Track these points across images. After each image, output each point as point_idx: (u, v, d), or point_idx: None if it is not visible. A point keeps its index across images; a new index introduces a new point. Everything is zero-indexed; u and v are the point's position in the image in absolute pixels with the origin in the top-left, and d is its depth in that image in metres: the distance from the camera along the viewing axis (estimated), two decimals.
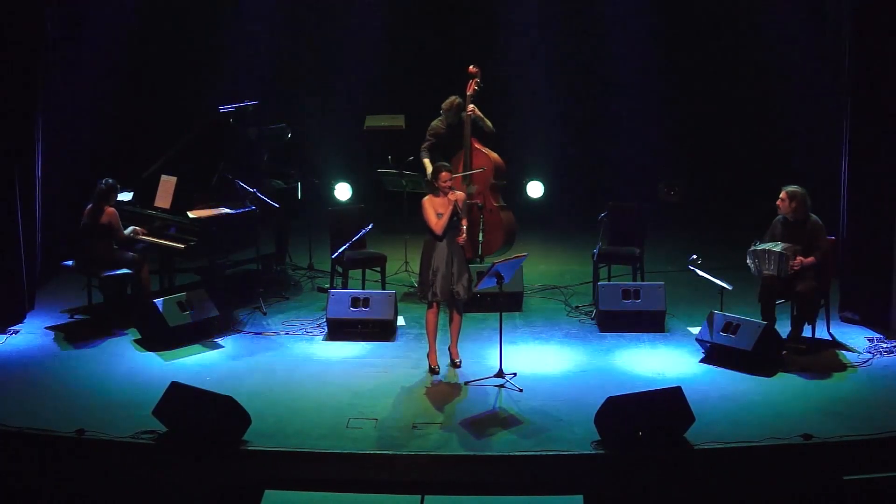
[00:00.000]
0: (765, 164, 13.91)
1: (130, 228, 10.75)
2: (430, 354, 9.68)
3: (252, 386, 9.18)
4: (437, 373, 9.56)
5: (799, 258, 9.67)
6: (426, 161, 11.57)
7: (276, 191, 11.76)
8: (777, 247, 9.74)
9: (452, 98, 11.62)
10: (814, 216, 9.89)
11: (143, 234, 10.83)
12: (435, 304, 9.57)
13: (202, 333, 10.31)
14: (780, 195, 9.88)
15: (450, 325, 9.70)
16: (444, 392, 9.19)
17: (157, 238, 10.88)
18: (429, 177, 9.95)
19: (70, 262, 10.73)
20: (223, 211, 11.03)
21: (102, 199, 10.50)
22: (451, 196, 9.41)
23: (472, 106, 11.46)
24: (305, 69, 14.51)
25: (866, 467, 7.75)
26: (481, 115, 11.53)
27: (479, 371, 9.50)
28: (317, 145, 14.21)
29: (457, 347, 9.75)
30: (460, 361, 9.69)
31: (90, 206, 10.56)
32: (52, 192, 11.56)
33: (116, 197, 10.63)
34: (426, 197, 9.51)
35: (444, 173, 9.44)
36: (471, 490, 7.78)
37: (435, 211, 9.38)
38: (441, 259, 9.39)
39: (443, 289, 9.40)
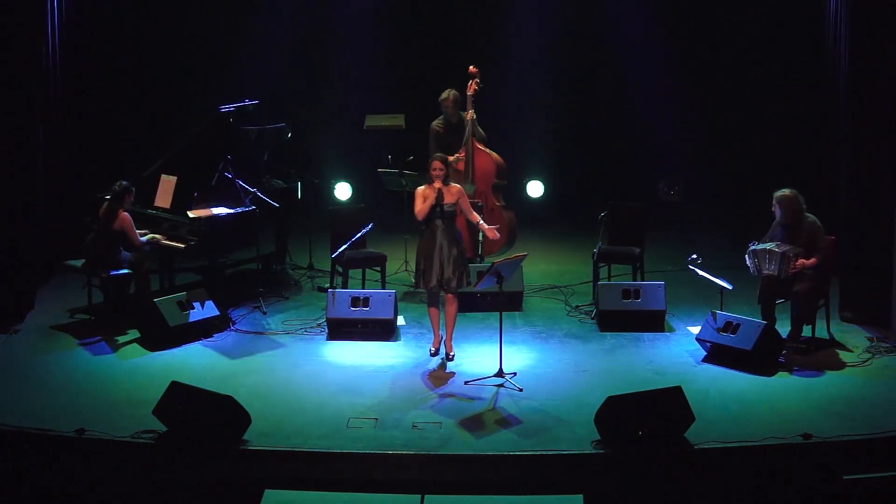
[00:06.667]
0: (765, 164, 13.92)
1: (149, 236, 10.71)
2: (434, 340, 9.92)
3: (252, 386, 9.18)
4: (436, 355, 9.83)
5: (800, 260, 9.68)
6: None
7: (276, 190, 11.77)
8: (776, 247, 9.74)
9: (449, 90, 11.62)
10: (811, 216, 9.89)
11: (162, 240, 10.78)
12: (433, 297, 9.77)
13: (202, 333, 10.31)
14: (773, 202, 9.90)
15: (444, 316, 9.78)
16: (444, 392, 9.20)
17: (169, 240, 10.85)
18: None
19: (78, 263, 10.67)
20: (223, 210, 11.03)
21: (117, 202, 10.44)
22: (435, 185, 9.59)
23: (471, 112, 11.47)
24: (306, 69, 14.50)
25: (866, 467, 7.75)
26: (476, 123, 11.56)
27: (478, 370, 9.50)
28: (317, 145, 14.22)
29: (451, 341, 9.82)
30: (453, 355, 9.78)
31: (105, 206, 10.53)
32: (52, 191, 11.55)
33: (131, 199, 10.55)
34: (420, 187, 9.77)
35: (435, 162, 9.67)
36: (471, 490, 7.78)
37: (423, 199, 9.65)
38: (432, 247, 9.60)
39: (435, 278, 9.59)
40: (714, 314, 9.81)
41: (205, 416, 8.13)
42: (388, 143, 12.78)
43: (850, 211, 10.55)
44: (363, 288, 11.25)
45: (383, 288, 11.21)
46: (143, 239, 10.64)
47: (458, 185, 9.83)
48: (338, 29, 14.47)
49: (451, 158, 10.20)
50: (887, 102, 10.16)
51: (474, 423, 8.59)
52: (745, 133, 14.39)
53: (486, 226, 9.83)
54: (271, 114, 12.38)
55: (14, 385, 9.25)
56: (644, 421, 8.06)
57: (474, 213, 9.92)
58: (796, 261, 9.67)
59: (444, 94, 11.65)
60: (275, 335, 10.46)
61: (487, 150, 11.63)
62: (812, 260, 9.72)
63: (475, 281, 9.88)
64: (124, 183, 10.51)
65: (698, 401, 8.47)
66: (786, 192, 9.88)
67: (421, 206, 9.63)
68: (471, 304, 10.82)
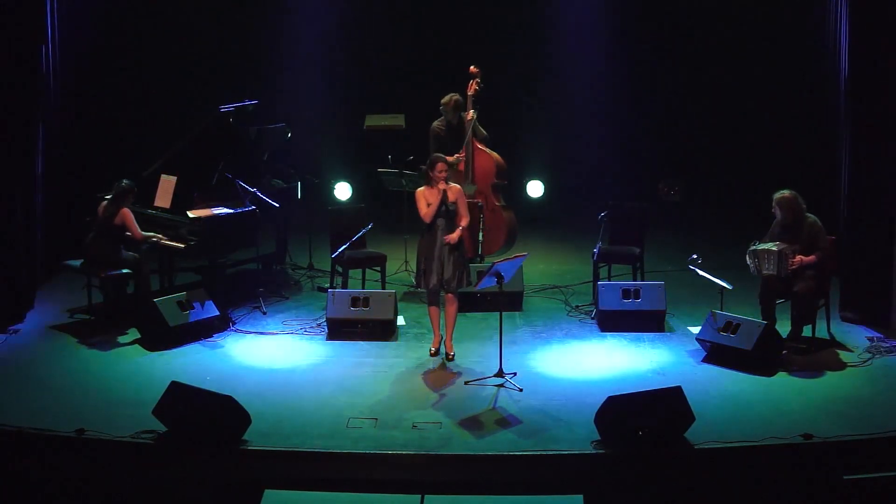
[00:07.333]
0: (765, 164, 13.91)
1: (151, 234, 10.70)
2: (434, 340, 9.95)
3: (252, 386, 9.18)
4: (436, 355, 9.85)
5: (799, 256, 9.69)
6: None
7: (276, 190, 11.77)
8: (775, 246, 9.75)
9: (451, 94, 11.63)
10: (811, 216, 9.89)
11: (163, 240, 10.77)
12: (434, 297, 9.78)
13: (202, 333, 10.31)
14: (773, 203, 9.91)
15: (444, 316, 9.80)
16: (444, 392, 9.20)
17: (169, 240, 10.84)
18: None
19: (77, 262, 10.68)
20: (223, 211, 11.04)
21: (119, 200, 10.45)
22: (440, 186, 9.60)
23: (471, 112, 11.47)
24: (305, 69, 14.50)
25: (866, 467, 7.75)
26: (477, 123, 11.55)
27: (479, 371, 9.50)
28: (317, 145, 14.22)
29: (451, 341, 9.84)
30: (453, 355, 9.80)
31: (105, 204, 10.53)
32: (52, 191, 11.55)
33: (132, 199, 10.57)
34: (419, 188, 9.76)
35: (440, 164, 9.64)
36: (471, 490, 7.78)
37: (426, 201, 9.64)
38: (432, 247, 9.63)
39: (436, 278, 9.62)
40: (714, 314, 9.81)
41: (205, 416, 8.13)
42: (388, 143, 12.77)
43: (850, 211, 10.55)
44: (363, 288, 11.25)
45: (383, 288, 11.21)
46: (147, 233, 10.64)
47: (457, 185, 9.84)
48: (338, 28, 14.46)
49: (450, 159, 10.22)
50: (887, 102, 10.15)
51: (474, 423, 8.59)
52: (745, 133, 14.38)
53: (455, 235, 9.59)
54: (271, 114, 12.37)
55: (14, 385, 9.25)
56: (644, 421, 8.06)
57: (465, 218, 9.81)
58: (794, 257, 9.67)
59: (446, 99, 11.65)
60: (275, 335, 10.46)
61: (487, 150, 11.63)
62: (811, 257, 9.73)
63: (475, 281, 9.89)
64: (126, 182, 10.52)
65: (698, 401, 8.46)
66: (785, 193, 9.89)
67: (427, 210, 9.62)
68: (471, 303, 10.82)
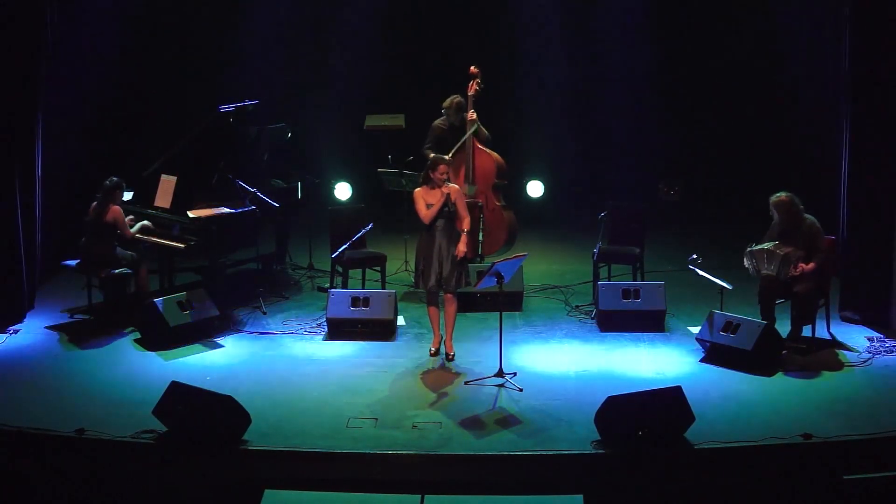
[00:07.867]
0: (765, 164, 13.91)
1: (139, 224, 10.73)
2: (434, 340, 9.95)
3: (252, 386, 9.18)
4: (436, 355, 9.85)
5: (801, 265, 9.67)
6: None
7: (276, 190, 11.77)
8: (773, 246, 9.73)
9: (453, 97, 11.63)
10: (809, 217, 9.88)
11: (152, 231, 10.76)
12: (433, 297, 9.79)
13: (202, 333, 10.31)
14: (770, 207, 9.91)
15: (444, 316, 9.80)
16: (444, 392, 9.19)
17: (162, 238, 10.85)
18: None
19: (73, 262, 10.71)
20: (223, 210, 11.04)
21: (107, 197, 10.49)
22: (444, 189, 9.56)
23: (472, 112, 11.46)
24: (305, 68, 14.51)
25: (866, 467, 7.75)
26: (479, 124, 11.54)
27: (479, 371, 9.50)
28: (317, 145, 14.22)
29: (451, 341, 9.84)
30: (453, 355, 9.80)
31: (95, 203, 10.56)
32: (52, 192, 11.56)
33: (122, 196, 10.62)
34: (417, 189, 9.73)
35: (442, 166, 9.60)
36: (471, 490, 7.78)
37: (425, 202, 9.63)
38: (432, 249, 9.63)
39: (434, 278, 9.62)
40: (714, 314, 9.81)
41: (205, 416, 8.13)
42: (389, 143, 12.78)
43: (850, 211, 10.54)
44: (363, 288, 11.25)
45: (383, 288, 11.22)
46: (134, 228, 10.65)
47: (455, 186, 9.81)
48: (338, 29, 14.47)
49: (444, 170, 10.07)
50: (887, 103, 10.15)
51: (474, 423, 8.58)
52: (745, 133, 14.37)
53: (462, 246, 9.64)
54: (271, 114, 12.37)
55: (14, 385, 9.25)
56: (644, 421, 8.06)
57: (466, 219, 9.81)
58: (797, 263, 9.67)
59: (447, 102, 11.64)
60: (275, 335, 10.46)
61: (487, 150, 11.63)
62: (811, 265, 9.72)
63: (475, 281, 9.89)
64: (115, 179, 10.56)
65: (698, 401, 8.46)
66: (781, 196, 9.87)
67: (427, 212, 9.61)
68: (471, 303, 10.82)
